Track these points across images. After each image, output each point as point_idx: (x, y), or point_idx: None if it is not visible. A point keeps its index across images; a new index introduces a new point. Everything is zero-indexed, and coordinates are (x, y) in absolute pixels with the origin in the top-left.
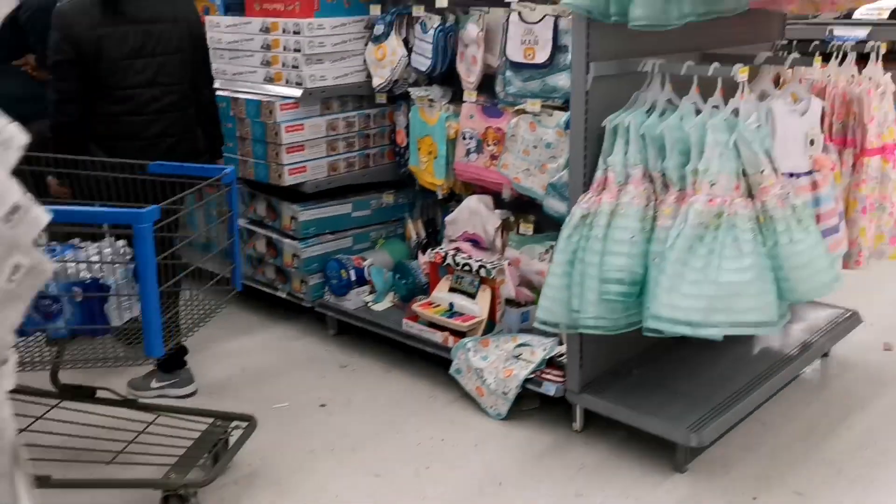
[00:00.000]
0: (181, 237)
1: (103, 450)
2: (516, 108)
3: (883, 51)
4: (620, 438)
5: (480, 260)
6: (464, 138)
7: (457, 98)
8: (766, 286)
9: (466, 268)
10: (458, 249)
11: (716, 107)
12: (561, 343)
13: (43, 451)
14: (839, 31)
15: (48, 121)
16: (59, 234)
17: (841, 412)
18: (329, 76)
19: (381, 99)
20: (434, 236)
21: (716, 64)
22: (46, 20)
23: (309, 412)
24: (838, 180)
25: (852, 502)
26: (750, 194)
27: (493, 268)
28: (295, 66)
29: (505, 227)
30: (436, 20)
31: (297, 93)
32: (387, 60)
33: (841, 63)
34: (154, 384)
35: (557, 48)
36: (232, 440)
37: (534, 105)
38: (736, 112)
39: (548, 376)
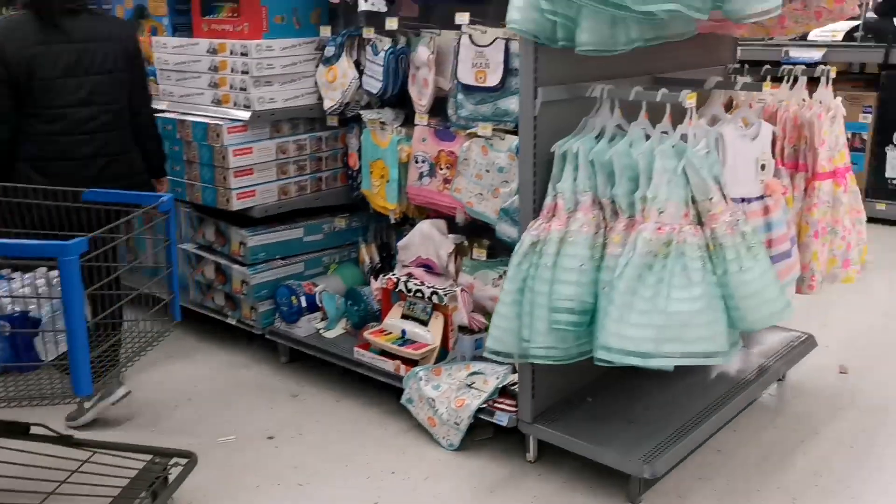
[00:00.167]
0: (118, 266)
1: (34, 490)
2: (468, 131)
3: (833, 75)
4: (575, 468)
5: (433, 286)
6: (416, 162)
7: (409, 121)
8: (717, 315)
9: (418, 294)
10: (410, 275)
11: (664, 133)
12: (514, 371)
13: None
14: (794, 53)
15: None
16: None
17: (797, 437)
18: (279, 98)
19: (333, 121)
20: (388, 261)
21: (664, 90)
22: None
23: (256, 445)
24: (790, 205)
25: None
26: (699, 221)
27: (446, 294)
28: (243, 89)
29: (459, 251)
30: (387, 42)
31: (246, 115)
32: (338, 83)
33: (792, 87)
34: (87, 405)
35: (509, 71)
36: (172, 477)
37: (485, 129)
38: (684, 138)
39: (500, 406)
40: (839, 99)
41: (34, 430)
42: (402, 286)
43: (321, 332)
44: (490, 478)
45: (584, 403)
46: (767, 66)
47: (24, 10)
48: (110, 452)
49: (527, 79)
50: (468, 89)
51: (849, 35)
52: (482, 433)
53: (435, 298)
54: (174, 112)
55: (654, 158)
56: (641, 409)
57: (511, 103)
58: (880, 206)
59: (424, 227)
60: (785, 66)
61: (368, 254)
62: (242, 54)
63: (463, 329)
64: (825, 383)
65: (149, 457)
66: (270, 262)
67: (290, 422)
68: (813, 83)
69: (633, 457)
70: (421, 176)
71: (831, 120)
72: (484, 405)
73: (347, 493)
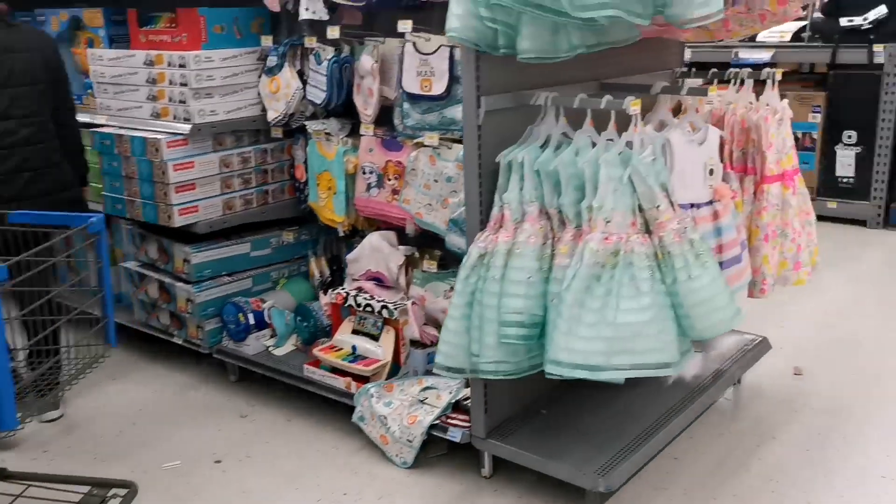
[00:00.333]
0: (49, 290)
1: None
2: (415, 141)
3: (778, 77)
4: (531, 483)
5: (383, 300)
6: (364, 173)
7: (355, 131)
8: (667, 325)
9: (368, 308)
10: (360, 289)
11: (610, 140)
12: (468, 385)
13: None
14: (744, 54)
15: None
16: None
17: (752, 442)
18: (220, 110)
19: (278, 133)
20: (339, 274)
21: (608, 97)
22: None
23: (203, 469)
24: (740, 209)
25: None
26: (647, 230)
27: (396, 308)
28: (182, 101)
29: (410, 263)
30: (329, 51)
31: (186, 128)
32: (281, 93)
33: (739, 89)
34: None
35: (454, 79)
36: None
37: (432, 138)
38: (630, 145)
39: (453, 421)
40: (786, 101)
41: None
42: (351, 301)
43: (271, 349)
44: (445, 495)
45: (539, 416)
46: (714, 70)
47: None
48: (45, 485)
49: (469, 88)
50: (414, 98)
51: (797, 36)
52: (436, 449)
53: (385, 313)
54: (112, 126)
55: (600, 167)
56: (597, 419)
57: (458, 112)
58: (831, 205)
59: (373, 239)
60: (732, 70)
61: (318, 267)
62: (180, 66)
63: (415, 343)
64: (780, 386)
65: (86, 488)
66: (216, 279)
67: (238, 444)
68: (761, 85)
69: (587, 470)
70: (369, 187)
71: (778, 122)
72: (437, 421)
73: None
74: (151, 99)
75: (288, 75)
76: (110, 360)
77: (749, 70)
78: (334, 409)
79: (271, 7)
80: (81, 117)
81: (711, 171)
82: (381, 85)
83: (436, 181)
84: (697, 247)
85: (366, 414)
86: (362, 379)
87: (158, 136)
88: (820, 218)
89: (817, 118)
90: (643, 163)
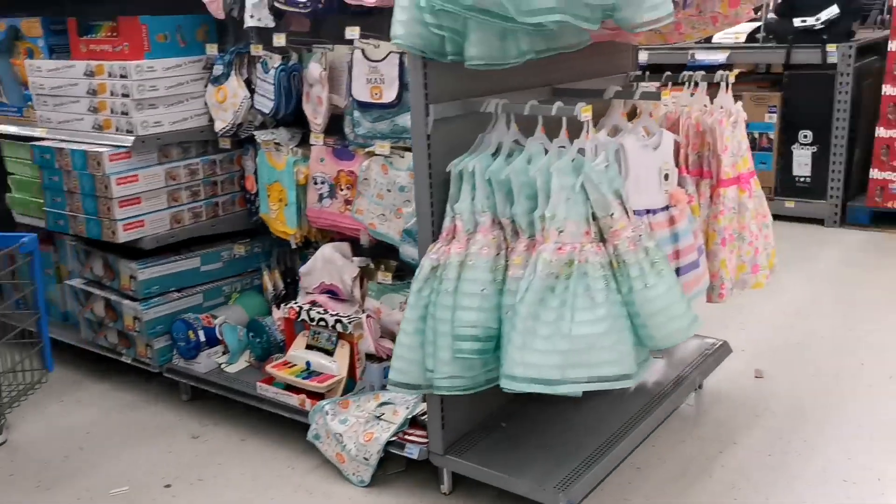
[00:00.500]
0: None
1: None
2: (367, 150)
3: (732, 80)
4: (491, 498)
5: (336, 314)
6: (315, 183)
7: (306, 141)
8: (623, 335)
9: (322, 323)
10: (314, 303)
11: (562, 147)
12: (425, 400)
13: None
14: (700, 56)
15: None
16: None
17: (715, 449)
18: (165, 121)
19: (226, 143)
20: (294, 287)
21: (559, 103)
22: None
23: (152, 494)
24: (696, 213)
25: None
26: (602, 239)
27: (350, 322)
28: (124, 113)
29: (364, 275)
30: (277, 59)
31: (129, 141)
32: (228, 103)
33: (693, 93)
34: None
35: (405, 87)
36: None
37: (383, 147)
38: (582, 152)
39: (411, 437)
40: (740, 103)
41: None
42: (304, 315)
43: (223, 366)
44: None
45: (499, 429)
46: (668, 73)
47: None
48: None
49: (417, 96)
50: (364, 106)
51: (751, 37)
52: (394, 466)
53: (339, 327)
54: (52, 139)
55: (552, 176)
56: (558, 431)
57: (409, 120)
58: (789, 204)
59: (326, 251)
60: (686, 73)
61: (272, 281)
62: (122, 76)
63: (371, 357)
64: (742, 389)
65: None
66: (165, 296)
67: (189, 466)
68: (716, 87)
69: (548, 485)
70: (321, 198)
71: (733, 125)
72: (394, 438)
73: None
74: (93, 111)
75: (235, 84)
76: (57, 380)
77: (703, 73)
78: (289, 427)
79: (216, 14)
80: (21, 130)
81: (667, 176)
82: (330, 93)
83: (389, 191)
84: (653, 255)
85: (321, 432)
86: (317, 396)
87: (100, 149)
88: (778, 217)
89: (773, 118)
90: (596, 170)
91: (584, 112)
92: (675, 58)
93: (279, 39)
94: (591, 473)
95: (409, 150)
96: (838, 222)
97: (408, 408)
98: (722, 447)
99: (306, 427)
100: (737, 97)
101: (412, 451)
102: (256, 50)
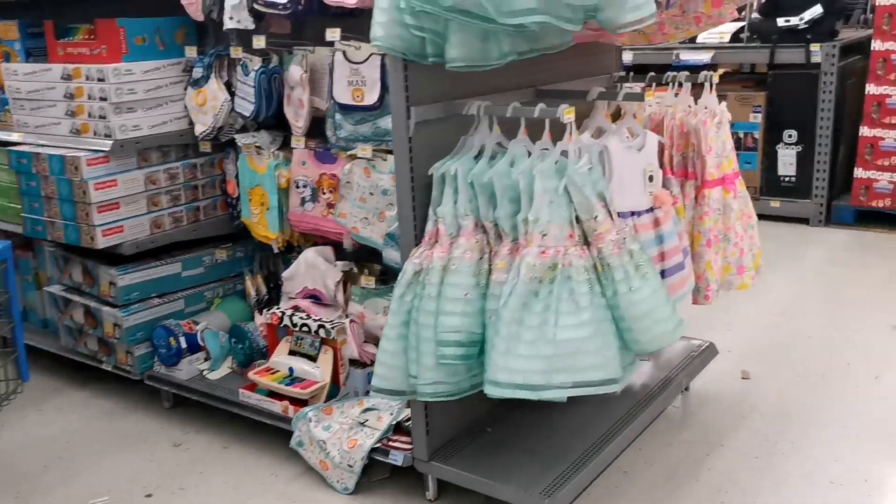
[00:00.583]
0: None
1: None
2: (349, 153)
3: (716, 80)
4: None
5: (320, 319)
6: (297, 187)
7: (287, 144)
8: (608, 340)
9: (305, 328)
10: (296, 308)
11: (545, 149)
12: (409, 406)
13: None
14: (685, 56)
15: None
16: None
17: (701, 451)
18: (144, 125)
19: (208, 147)
20: (277, 292)
21: (541, 105)
22: None
23: None
24: (682, 214)
25: None
26: (586, 242)
27: (334, 327)
28: (102, 117)
29: (348, 280)
30: (257, 62)
31: (107, 145)
32: (208, 106)
33: (677, 93)
34: None
35: (387, 89)
36: None
37: (365, 150)
38: (565, 154)
39: (395, 444)
40: (724, 104)
41: None
42: (287, 320)
43: (205, 373)
44: None
45: (484, 435)
46: (652, 73)
47: None
48: None
49: (398, 98)
50: (346, 109)
51: (736, 36)
52: (379, 473)
53: (322, 332)
54: (29, 144)
55: (534, 178)
56: (544, 435)
57: (391, 122)
58: (774, 204)
59: (309, 255)
60: (670, 73)
61: (255, 286)
62: (99, 80)
63: (354, 362)
64: (728, 391)
65: None
66: (145, 302)
67: (171, 474)
68: (700, 87)
69: (534, 490)
70: (303, 201)
71: (717, 126)
72: (378, 444)
73: None
74: (70, 115)
75: (215, 87)
76: (36, 388)
77: (687, 73)
78: (273, 434)
79: (195, 16)
80: None
81: (651, 178)
82: (311, 95)
83: (371, 194)
84: (637, 258)
85: (304, 439)
86: (300, 402)
87: (78, 154)
88: (763, 217)
89: (758, 118)
90: (579, 172)
91: (567, 114)
92: (660, 58)
93: (259, 42)
94: (577, 478)
95: (391, 152)
96: (823, 222)
97: (392, 414)
98: (709, 450)
99: (290, 434)
100: (721, 97)
101: (396, 458)
102: (236, 52)
